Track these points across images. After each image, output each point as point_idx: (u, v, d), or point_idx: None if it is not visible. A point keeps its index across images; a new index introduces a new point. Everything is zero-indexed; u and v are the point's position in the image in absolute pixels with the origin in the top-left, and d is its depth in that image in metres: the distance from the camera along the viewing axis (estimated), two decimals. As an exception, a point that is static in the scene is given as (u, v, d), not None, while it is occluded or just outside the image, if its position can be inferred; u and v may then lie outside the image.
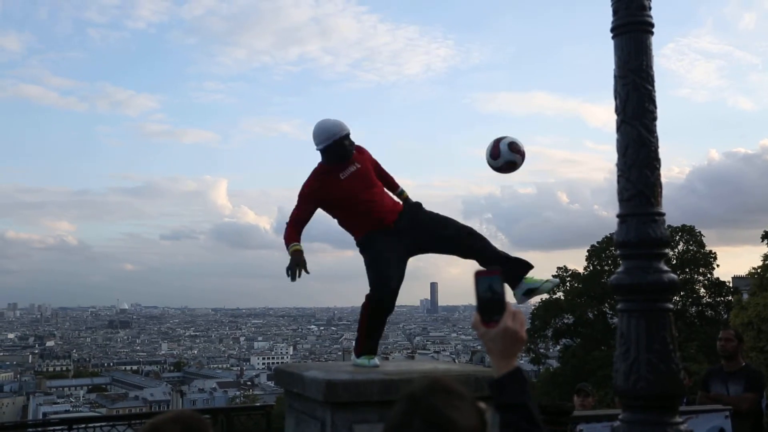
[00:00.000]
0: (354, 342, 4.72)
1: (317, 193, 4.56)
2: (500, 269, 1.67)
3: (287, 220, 4.61)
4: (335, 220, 4.79)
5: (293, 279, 4.35)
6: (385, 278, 4.46)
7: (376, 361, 4.55)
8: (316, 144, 4.56)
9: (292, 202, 4.65)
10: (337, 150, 4.54)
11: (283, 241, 4.53)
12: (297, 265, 4.36)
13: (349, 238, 5.01)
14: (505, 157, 4.46)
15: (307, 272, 4.43)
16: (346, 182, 4.56)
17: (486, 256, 4.51)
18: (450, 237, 4.58)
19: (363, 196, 4.56)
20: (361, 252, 4.64)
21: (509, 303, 1.64)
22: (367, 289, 4.53)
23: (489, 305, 1.64)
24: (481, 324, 1.64)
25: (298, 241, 4.49)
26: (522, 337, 1.63)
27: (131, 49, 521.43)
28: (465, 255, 4.63)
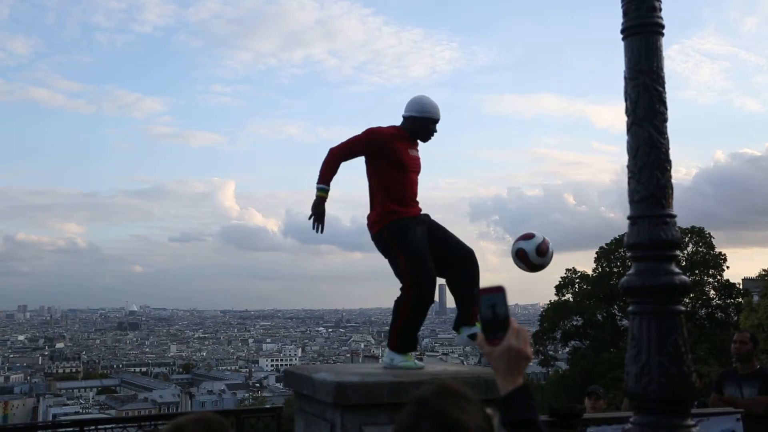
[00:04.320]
0: (389, 337, 4.53)
1: (387, 140, 4.52)
2: (503, 287, 1.65)
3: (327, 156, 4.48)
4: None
5: (316, 230, 4.42)
6: (427, 267, 4.39)
7: (420, 363, 4.54)
8: (407, 110, 4.66)
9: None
10: (420, 127, 4.63)
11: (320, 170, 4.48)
12: (318, 215, 4.38)
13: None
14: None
15: (321, 231, 4.43)
16: (410, 157, 4.60)
17: (465, 300, 4.54)
18: (452, 264, 4.55)
19: (413, 178, 4.62)
20: (390, 236, 4.46)
21: (513, 320, 1.62)
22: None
23: (492, 323, 1.63)
24: (485, 342, 1.64)
25: (328, 183, 4.48)
26: (527, 355, 1.62)
27: (138, 52, 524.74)
28: (452, 288, 4.64)
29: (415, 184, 4.64)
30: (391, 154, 4.49)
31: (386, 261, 4.55)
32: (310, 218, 4.47)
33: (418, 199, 4.70)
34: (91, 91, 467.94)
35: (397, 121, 4.73)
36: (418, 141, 4.72)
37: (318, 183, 4.47)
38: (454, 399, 1.48)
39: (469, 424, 1.44)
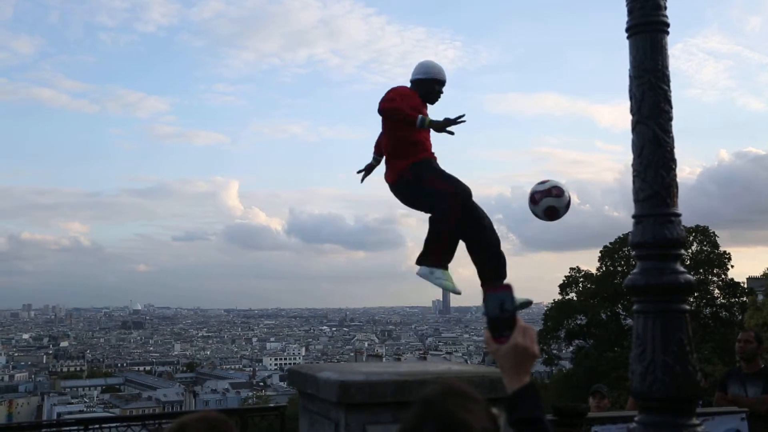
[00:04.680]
0: (430, 253, 4.61)
1: (412, 98, 4.63)
2: (510, 285, 1.65)
3: (392, 103, 4.53)
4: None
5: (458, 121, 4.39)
6: (462, 183, 4.56)
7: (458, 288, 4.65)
8: (414, 74, 4.77)
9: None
10: (428, 88, 4.73)
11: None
12: (448, 123, 4.38)
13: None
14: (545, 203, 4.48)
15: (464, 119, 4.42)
16: (426, 114, 4.67)
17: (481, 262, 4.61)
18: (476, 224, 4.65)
19: (429, 137, 4.73)
20: (417, 175, 4.58)
21: (520, 319, 1.63)
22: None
23: (499, 321, 1.63)
24: (492, 340, 1.64)
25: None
26: (534, 353, 1.62)
27: (141, 51, 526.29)
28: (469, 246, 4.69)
29: (430, 141, 4.75)
30: (413, 108, 4.58)
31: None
32: (447, 128, 4.42)
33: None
34: (94, 91, 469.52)
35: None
36: (427, 104, 4.82)
37: (418, 119, 4.42)
38: (460, 399, 1.48)
39: (475, 425, 1.44)
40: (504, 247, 4.80)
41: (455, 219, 4.51)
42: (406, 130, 4.58)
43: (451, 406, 1.46)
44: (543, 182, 4.53)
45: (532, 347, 1.62)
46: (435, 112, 4.84)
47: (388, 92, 4.64)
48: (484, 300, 1.64)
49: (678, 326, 3.04)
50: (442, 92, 4.80)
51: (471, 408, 1.47)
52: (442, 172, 4.62)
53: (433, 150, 4.79)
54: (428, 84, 4.72)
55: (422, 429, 1.44)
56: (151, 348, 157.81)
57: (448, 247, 4.58)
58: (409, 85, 4.81)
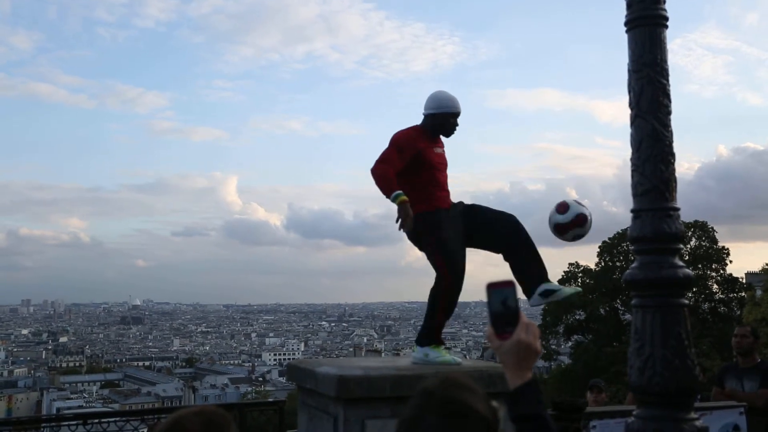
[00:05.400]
0: (425, 333, 4.54)
1: (412, 141, 4.51)
2: (513, 281, 1.65)
3: (379, 163, 4.40)
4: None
5: (402, 229, 4.29)
6: (459, 260, 4.44)
7: (458, 358, 4.58)
8: (426, 108, 4.67)
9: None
10: (440, 122, 4.63)
11: (379, 182, 4.37)
12: (407, 217, 4.27)
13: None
14: (574, 209, 4.42)
15: (409, 230, 4.33)
16: (435, 155, 4.61)
17: (530, 265, 4.49)
18: (502, 235, 4.52)
19: (440, 176, 4.62)
20: (426, 228, 4.46)
21: (522, 315, 1.62)
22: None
23: (502, 317, 1.63)
24: (495, 336, 1.64)
25: (398, 188, 4.35)
26: (536, 349, 1.62)
27: (140, 47, 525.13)
28: (512, 261, 4.55)
29: (443, 181, 4.64)
30: (417, 154, 4.49)
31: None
32: (397, 221, 4.33)
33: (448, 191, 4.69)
34: (93, 86, 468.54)
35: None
36: (441, 137, 4.72)
37: (392, 194, 4.31)
38: (460, 389, 1.50)
39: (475, 407, 1.46)
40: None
41: (448, 302, 4.46)
42: (416, 175, 4.48)
43: (451, 393, 1.48)
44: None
45: (534, 344, 1.62)
46: (450, 142, 4.79)
47: (391, 139, 4.53)
48: (487, 296, 1.64)
49: (677, 321, 3.04)
50: (457, 124, 4.68)
51: (471, 397, 1.49)
52: (446, 239, 4.44)
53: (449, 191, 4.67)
54: (441, 117, 4.60)
55: (423, 420, 1.45)
56: (150, 343, 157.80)
57: (441, 328, 4.54)
58: (422, 118, 4.69)
